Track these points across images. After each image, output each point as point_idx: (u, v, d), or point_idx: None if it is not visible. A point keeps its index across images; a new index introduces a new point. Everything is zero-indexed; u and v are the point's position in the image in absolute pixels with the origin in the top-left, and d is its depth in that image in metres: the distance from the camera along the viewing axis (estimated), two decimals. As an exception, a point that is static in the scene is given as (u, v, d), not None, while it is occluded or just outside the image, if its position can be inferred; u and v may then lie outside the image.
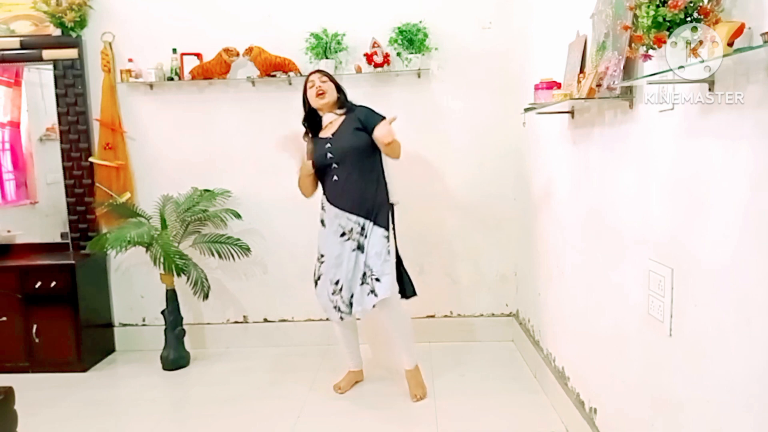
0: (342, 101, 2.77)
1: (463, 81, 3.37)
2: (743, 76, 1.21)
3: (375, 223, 2.66)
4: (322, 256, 2.75)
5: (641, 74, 1.63)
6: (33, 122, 3.69)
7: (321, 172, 2.74)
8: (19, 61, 3.52)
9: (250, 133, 3.46)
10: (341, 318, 2.71)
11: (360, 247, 2.66)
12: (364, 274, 2.63)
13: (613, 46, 1.77)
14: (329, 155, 2.68)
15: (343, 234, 2.67)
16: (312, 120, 2.80)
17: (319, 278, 2.77)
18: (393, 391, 2.88)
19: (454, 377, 3.03)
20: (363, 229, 2.66)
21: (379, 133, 2.59)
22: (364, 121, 2.68)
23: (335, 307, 2.70)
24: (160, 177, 3.48)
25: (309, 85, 2.75)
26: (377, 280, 2.62)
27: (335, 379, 2.94)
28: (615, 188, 1.93)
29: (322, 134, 2.76)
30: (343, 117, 2.75)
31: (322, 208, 2.76)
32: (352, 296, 2.67)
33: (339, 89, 2.78)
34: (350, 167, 2.67)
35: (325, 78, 2.75)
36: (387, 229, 2.69)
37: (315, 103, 2.74)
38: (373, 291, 2.62)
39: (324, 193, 2.75)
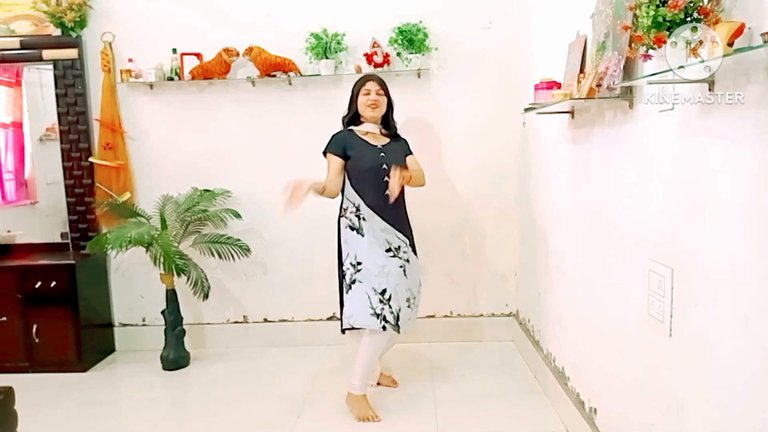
0: (388, 118, 2.75)
1: (463, 81, 3.37)
2: (743, 76, 1.21)
3: (414, 251, 2.76)
4: (359, 263, 2.61)
5: (641, 74, 1.63)
6: (33, 122, 3.68)
7: (367, 177, 2.62)
8: (19, 61, 3.52)
9: (250, 133, 3.46)
10: (384, 328, 2.56)
11: (403, 269, 2.64)
12: (410, 298, 2.67)
13: (613, 46, 1.77)
14: (384, 165, 2.61)
15: (389, 250, 2.63)
16: (352, 122, 2.74)
17: (353, 282, 2.61)
18: (393, 391, 2.88)
19: (454, 377, 3.03)
20: (406, 251, 2.69)
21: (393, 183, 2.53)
22: (404, 152, 2.79)
23: (377, 315, 2.55)
24: (160, 177, 3.48)
25: (364, 91, 2.68)
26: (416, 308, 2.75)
27: (335, 379, 2.93)
28: (615, 188, 1.93)
29: (368, 139, 2.69)
30: (388, 138, 2.74)
31: (357, 215, 2.63)
32: (399, 309, 2.60)
33: (390, 104, 2.75)
34: None
35: (382, 91, 2.70)
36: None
37: (364, 111, 2.69)
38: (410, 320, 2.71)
39: (365, 201, 2.62)
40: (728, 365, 1.29)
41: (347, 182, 2.67)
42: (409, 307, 2.66)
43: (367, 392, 2.67)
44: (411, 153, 2.83)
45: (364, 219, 2.63)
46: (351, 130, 2.72)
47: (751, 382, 1.21)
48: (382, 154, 2.65)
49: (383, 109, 2.71)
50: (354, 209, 2.65)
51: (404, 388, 2.90)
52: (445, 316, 3.56)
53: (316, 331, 3.53)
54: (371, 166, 2.62)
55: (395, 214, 2.68)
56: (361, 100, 2.69)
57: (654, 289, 1.62)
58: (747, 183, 1.21)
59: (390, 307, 2.58)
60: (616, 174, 1.92)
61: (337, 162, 2.64)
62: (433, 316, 3.55)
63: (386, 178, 2.61)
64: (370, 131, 2.71)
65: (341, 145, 2.65)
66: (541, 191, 2.91)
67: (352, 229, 2.65)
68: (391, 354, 3.10)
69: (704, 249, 1.38)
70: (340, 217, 2.71)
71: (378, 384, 2.93)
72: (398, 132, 2.82)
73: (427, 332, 3.51)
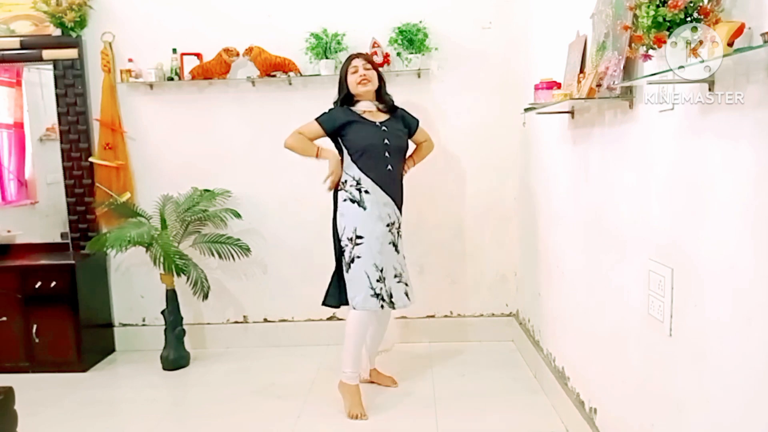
0: (382, 92, 2.73)
1: (463, 81, 3.37)
2: (743, 76, 1.21)
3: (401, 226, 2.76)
4: (359, 237, 2.57)
5: (641, 74, 1.63)
6: (33, 122, 3.68)
7: (370, 153, 2.60)
8: (19, 61, 3.51)
9: (250, 133, 3.46)
10: (382, 307, 2.58)
11: (394, 244, 2.66)
12: (399, 274, 2.67)
13: (613, 46, 1.77)
14: (386, 140, 2.61)
15: (388, 224, 2.63)
16: (346, 104, 2.72)
17: (353, 261, 2.59)
18: (393, 390, 2.88)
19: (454, 377, 3.03)
20: (399, 226, 2.71)
21: None
22: (408, 125, 2.79)
23: (377, 295, 2.56)
24: (160, 177, 3.48)
25: (351, 70, 2.65)
26: (408, 285, 2.72)
27: (335, 380, 2.92)
28: (615, 188, 1.93)
29: (367, 117, 2.66)
30: (387, 114, 2.72)
31: (359, 188, 2.61)
32: (391, 287, 2.60)
33: (380, 77, 2.72)
34: (397, 164, 2.69)
35: (368, 65, 2.67)
36: None
37: (355, 89, 2.65)
38: (407, 294, 2.70)
39: (368, 175, 2.60)
40: (728, 365, 1.29)
41: (347, 156, 2.66)
42: (399, 282, 2.66)
43: (359, 382, 2.68)
44: (415, 121, 2.83)
45: (366, 192, 2.61)
46: (348, 107, 2.70)
47: (751, 382, 1.21)
48: (384, 128, 2.64)
49: (375, 83, 2.68)
50: (354, 183, 2.63)
51: (404, 388, 2.90)
52: (445, 316, 3.56)
53: (316, 331, 3.53)
54: (373, 142, 2.60)
55: (397, 189, 2.69)
56: (351, 78, 2.66)
57: (654, 289, 1.62)
58: (747, 183, 1.21)
59: (385, 285, 2.59)
60: (616, 174, 1.92)
61: (318, 131, 2.65)
62: (433, 316, 3.55)
63: (388, 154, 2.62)
64: (367, 110, 2.69)
65: (334, 122, 2.64)
66: (541, 191, 2.91)
67: (352, 201, 2.62)
68: (391, 354, 3.10)
69: (704, 249, 1.38)
70: (338, 190, 2.69)
71: (376, 383, 2.93)
72: (394, 103, 2.79)
73: (427, 332, 3.51)
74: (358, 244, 2.59)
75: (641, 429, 1.75)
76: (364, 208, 2.60)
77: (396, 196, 2.68)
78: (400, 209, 2.72)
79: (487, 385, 2.92)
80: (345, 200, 2.65)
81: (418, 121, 2.85)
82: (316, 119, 2.68)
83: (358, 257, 2.59)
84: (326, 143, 2.74)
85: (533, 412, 2.63)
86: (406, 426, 2.56)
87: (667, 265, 1.55)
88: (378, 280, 2.58)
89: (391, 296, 2.61)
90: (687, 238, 1.46)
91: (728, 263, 1.28)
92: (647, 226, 1.68)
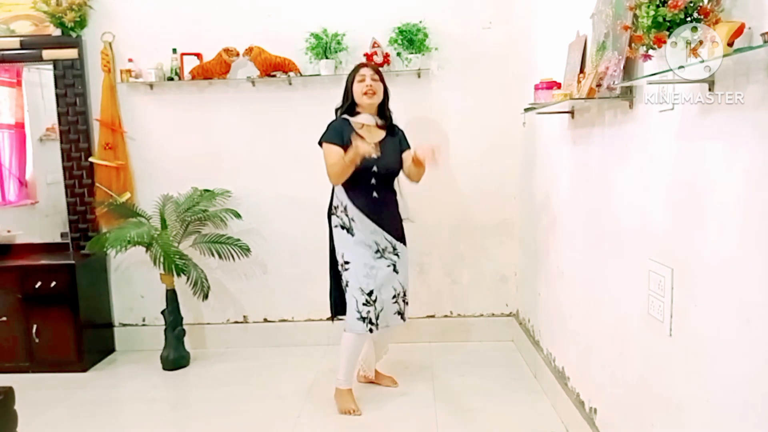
0: (385, 107, 2.69)
1: (463, 81, 3.37)
2: (743, 76, 1.21)
3: (404, 243, 2.73)
4: (347, 263, 2.61)
5: (641, 74, 1.63)
6: (33, 122, 3.68)
7: (357, 178, 2.55)
8: (19, 61, 3.52)
9: (250, 133, 3.46)
10: (370, 331, 2.58)
11: (393, 267, 2.65)
12: (398, 294, 2.68)
13: (613, 46, 1.77)
14: (375, 167, 2.57)
15: (377, 251, 2.62)
16: (348, 112, 2.68)
17: (347, 285, 2.63)
18: (393, 390, 2.88)
19: (454, 377, 3.03)
20: (395, 248, 2.67)
21: (422, 154, 2.46)
22: (403, 146, 2.73)
23: (364, 318, 2.56)
24: (160, 177, 3.48)
25: (358, 78, 2.61)
26: (406, 303, 2.73)
27: (335, 379, 2.93)
28: (615, 188, 1.93)
29: (363, 135, 2.61)
30: (384, 132, 2.68)
31: (347, 214, 2.61)
32: (381, 309, 2.61)
33: (385, 91, 2.69)
34: (388, 187, 2.67)
35: (377, 77, 2.63)
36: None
37: (360, 99, 2.62)
38: (401, 314, 2.70)
39: (353, 202, 2.59)
40: (728, 365, 1.29)
41: None
42: (395, 302, 2.67)
43: (352, 386, 2.71)
44: (409, 147, 2.77)
45: (353, 220, 2.61)
46: (346, 119, 2.66)
47: (751, 382, 1.21)
48: (374, 154, 2.57)
49: (380, 96, 2.65)
50: (343, 208, 2.63)
51: (404, 388, 2.90)
52: (445, 316, 3.56)
53: (316, 331, 3.53)
54: (362, 167, 2.53)
55: (385, 216, 2.65)
56: (357, 87, 2.62)
57: (654, 289, 1.62)
58: (747, 183, 1.21)
59: (375, 308, 2.59)
60: (616, 174, 1.92)
61: (337, 151, 2.54)
62: (433, 316, 3.55)
63: (374, 181, 2.59)
64: (366, 124, 2.66)
65: (339, 135, 2.59)
66: (541, 191, 2.91)
67: (342, 228, 2.63)
68: (391, 354, 3.09)
69: (704, 249, 1.38)
70: (330, 214, 2.69)
71: (377, 383, 2.93)
72: (394, 122, 2.75)
73: (427, 332, 3.52)
74: (346, 270, 2.62)
75: (641, 429, 1.75)
76: (352, 235, 2.61)
77: (385, 223, 2.63)
78: (394, 233, 2.66)
79: (487, 386, 2.92)
80: (336, 226, 2.66)
81: (410, 148, 2.75)
82: (324, 142, 2.59)
83: (348, 281, 2.62)
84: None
85: (533, 412, 2.63)
86: (406, 426, 2.56)
87: (667, 265, 1.55)
88: (365, 304, 2.58)
89: (377, 318, 2.60)
90: (687, 238, 1.46)
91: (728, 263, 1.28)
92: (647, 226, 1.68)
